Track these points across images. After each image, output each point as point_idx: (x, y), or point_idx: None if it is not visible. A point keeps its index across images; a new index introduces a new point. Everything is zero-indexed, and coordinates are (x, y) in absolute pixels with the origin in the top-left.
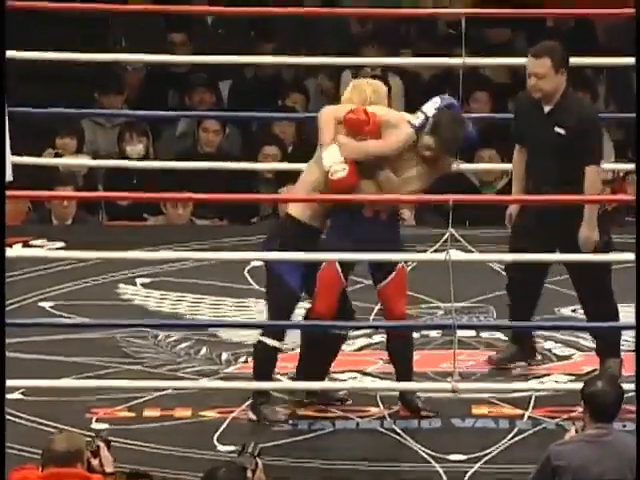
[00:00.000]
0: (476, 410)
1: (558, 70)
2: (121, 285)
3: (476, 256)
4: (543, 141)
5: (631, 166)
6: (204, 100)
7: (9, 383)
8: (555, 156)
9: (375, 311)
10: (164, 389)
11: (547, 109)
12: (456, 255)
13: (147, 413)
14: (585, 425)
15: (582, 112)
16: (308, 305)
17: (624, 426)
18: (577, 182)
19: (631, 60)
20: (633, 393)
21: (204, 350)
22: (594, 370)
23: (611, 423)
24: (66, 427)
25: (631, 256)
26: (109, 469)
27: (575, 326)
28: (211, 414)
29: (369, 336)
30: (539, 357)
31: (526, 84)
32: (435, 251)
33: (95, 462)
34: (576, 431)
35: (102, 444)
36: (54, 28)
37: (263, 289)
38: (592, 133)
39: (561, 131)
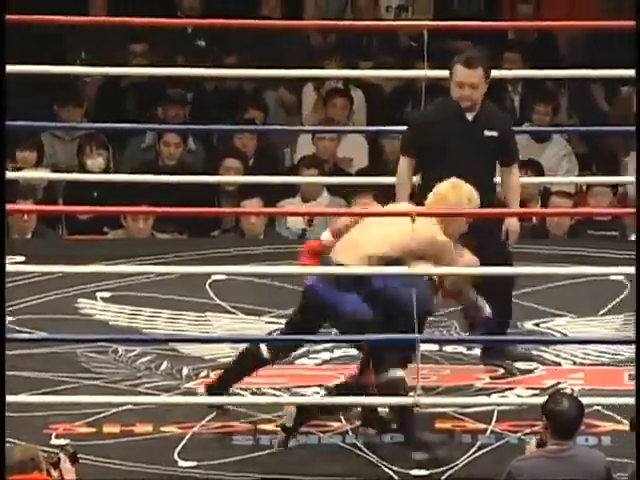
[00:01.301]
0: (439, 424)
1: (486, 80)
2: (81, 299)
3: (438, 270)
4: (472, 147)
5: (593, 179)
6: (165, 113)
7: None
8: (485, 159)
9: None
10: (124, 404)
11: (470, 116)
12: (419, 269)
13: (107, 429)
14: (546, 440)
15: (503, 115)
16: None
17: (586, 440)
18: (505, 180)
19: (592, 72)
20: (595, 407)
21: (165, 365)
22: (557, 384)
23: (572, 439)
24: (25, 443)
25: (593, 269)
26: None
27: (542, 340)
28: (172, 429)
29: (331, 351)
30: (502, 371)
31: (452, 93)
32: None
33: (55, 474)
34: (537, 445)
35: (63, 456)
36: (11, 40)
37: (227, 303)
38: (513, 133)
39: (493, 133)
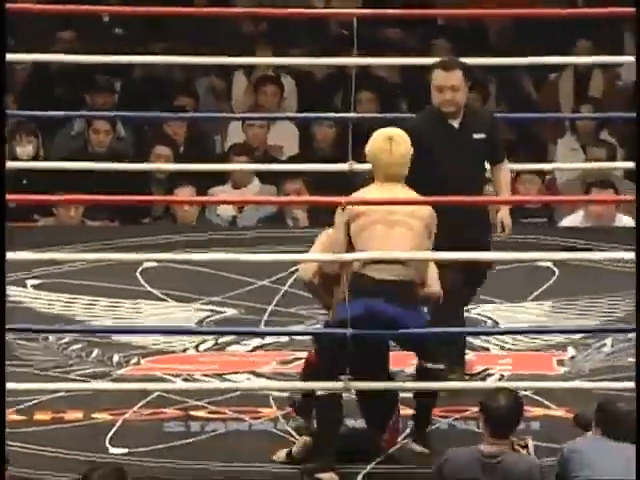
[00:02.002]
0: None
1: (466, 83)
2: (11, 287)
3: (374, 254)
4: (461, 154)
5: (521, 166)
6: (94, 100)
7: None
8: (475, 163)
9: (269, 311)
10: (55, 392)
11: (456, 123)
12: (348, 256)
13: (38, 416)
14: (483, 438)
15: (487, 114)
16: None
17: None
18: (497, 178)
19: (521, 60)
20: (523, 392)
21: (95, 352)
22: (486, 369)
23: (507, 438)
24: None
25: (521, 255)
26: None
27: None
28: (103, 416)
29: (262, 337)
30: None
31: (433, 100)
32: None
33: None
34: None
35: None
36: None
37: (158, 290)
38: (499, 130)
39: (481, 136)
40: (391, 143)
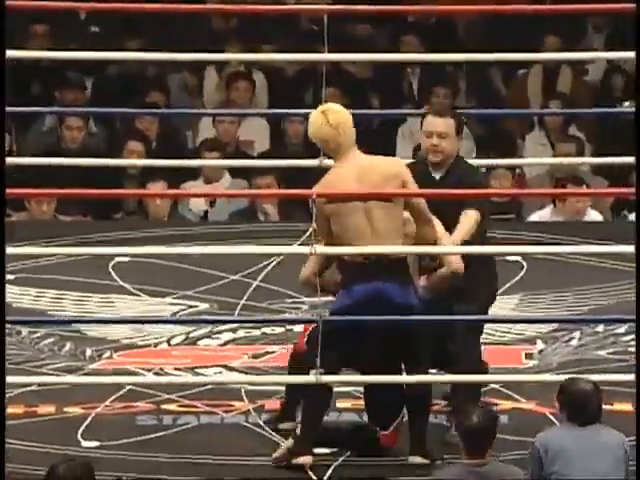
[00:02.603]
0: (340, 404)
1: (458, 133)
2: None
3: (341, 249)
4: (438, 206)
5: (492, 161)
6: (65, 96)
7: None
8: (450, 214)
9: (240, 305)
10: (28, 385)
11: (438, 175)
12: (321, 249)
13: (10, 410)
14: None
15: (474, 172)
16: None
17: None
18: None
19: (490, 56)
20: (486, 388)
21: (68, 346)
22: None
23: (484, 457)
24: None
25: (491, 249)
26: None
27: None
28: (75, 410)
29: (234, 331)
30: None
31: (422, 146)
32: (300, 245)
33: None
34: None
35: None
36: None
37: (130, 285)
38: (480, 186)
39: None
40: (327, 115)
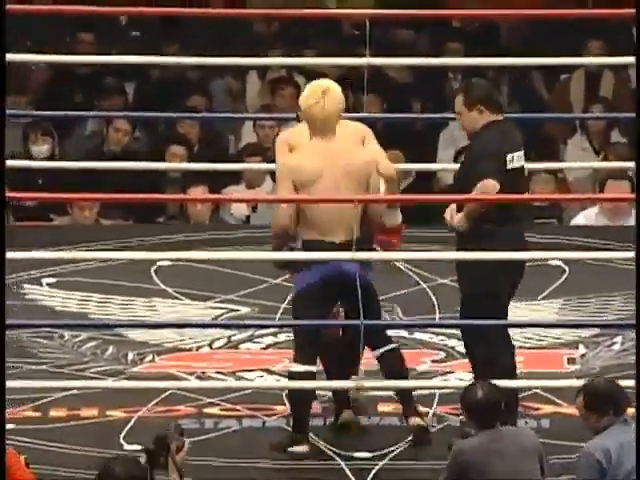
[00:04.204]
0: (382, 407)
1: (471, 107)
2: (26, 285)
3: (383, 255)
4: (460, 169)
5: (533, 165)
6: (111, 101)
7: None
8: (457, 183)
9: (281, 309)
10: (70, 389)
11: (467, 142)
12: (362, 255)
13: (53, 413)
14: (469, 432)
15: (478, 146)
16: None
17: (526, 422)
18: None
19: (532, 60)
20: (534, 390)
21: (110, 350)
22: None
23: (495, 427)
24: None
25: (532, 254)
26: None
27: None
28: (117, 414)
29: (275, 335)
30: (443, 354)
31: None
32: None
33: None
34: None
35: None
36: None
37: (172, 288)
38: (478, 164)
39: (463, 159)
40: (325, 97)
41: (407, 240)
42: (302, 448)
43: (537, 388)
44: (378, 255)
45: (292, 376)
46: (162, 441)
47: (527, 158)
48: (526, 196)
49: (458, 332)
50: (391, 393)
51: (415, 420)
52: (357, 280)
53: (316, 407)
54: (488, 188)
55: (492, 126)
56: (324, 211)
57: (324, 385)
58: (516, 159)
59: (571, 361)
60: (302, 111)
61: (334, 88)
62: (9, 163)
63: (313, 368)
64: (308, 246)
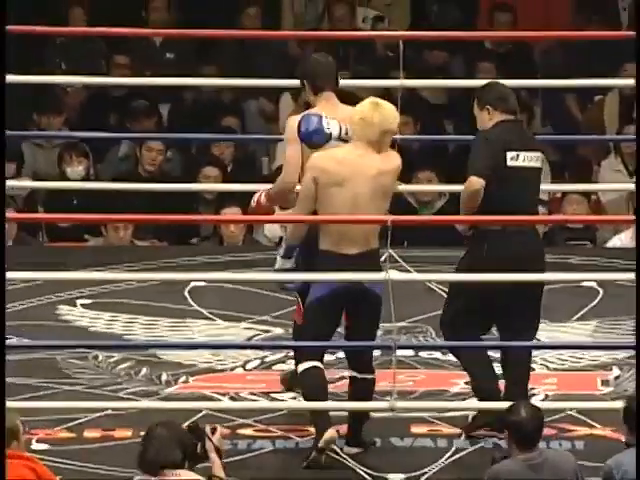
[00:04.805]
0: (415, 429)
1: (482, 107)
2: (61, 306)
3: (416, 276)
4: None
5: (567, 187)
6: (145, 123)
7: None
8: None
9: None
10: (104, 410)
11: None
12: (396, 275)
13: (87, 434)
14: (509, 453)
15: (476, 141)
16: None
17: (560, 444)
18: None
19: (566, 82)
20: (568, 412)
21: (144, 371)
22: (531, 389)
23: (536, 447)
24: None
25: (566, 276)
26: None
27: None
28: None
29: None
30: None
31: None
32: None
33: (215, 437)
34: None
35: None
36: None
37: (206, 309)
38: (474, 147)
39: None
40: (376, 111)
41: (440, 262)
42: (330, 433)
43: (571, 410)
44: (411, 276)
45: (302, 375)
46: (195, 428)
47: (560, 179)
48: (560, 217)
49: (492, 354)
50: (425, 415)
51: (353, 449)
52: (367, 292)
53: (343, 429)
54: (470, 186)
55: (499, 125)
56: (343, 212)
57: (356, 406)
58: (523, 158)
59: (605, 383)
60: (351, 119)
61: (388, 106)
62: (44, 184)
63: (319, 363)
64: (322, 257)
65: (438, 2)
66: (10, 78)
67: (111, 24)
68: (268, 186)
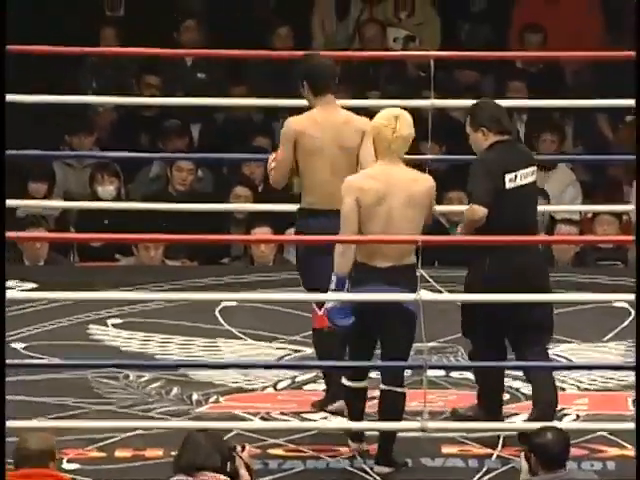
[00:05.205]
0: (445, 449)
1: (476, 129)
2: (92, 326)
3: (447, 296)
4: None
5: (598, 207)
6: (176, 143)
7: None
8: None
9: None
10: (135, 429)
11: None
12: (427, 295)
13: (118, 453)
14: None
15: (474, 166)
16: None
17: (592, 465)
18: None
19: (597, 102)
20: (599, 433)
21: (175, 390)
22: (562, 409)
23: (562, 470)
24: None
25: (597, 296)
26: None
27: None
28: None
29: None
30: (507, 396)
31: None
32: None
33: (245, 455)
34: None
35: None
36: (22, 68)
37: (237, 329)
38: (473, 171)
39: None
40: (397, 121)
41: (449, 280)
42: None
43: (602, 430)
44: (442, 296)
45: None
46: (225, 446)
47: (591, 199)
48: (591, 237)
49: (522, 374)
50: (455, 435)
51: (383, 469)
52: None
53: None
54: (473, 215)
55: (495, 146)
56: (374, 234)
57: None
58: (520, 177)
59: (635, 402)
60: (373, 132)
61: (406, 115)
62: (75, 204)
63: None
64: (356, 269)
65: (469, 22)
66: (43, 98)
67: (143, 44)
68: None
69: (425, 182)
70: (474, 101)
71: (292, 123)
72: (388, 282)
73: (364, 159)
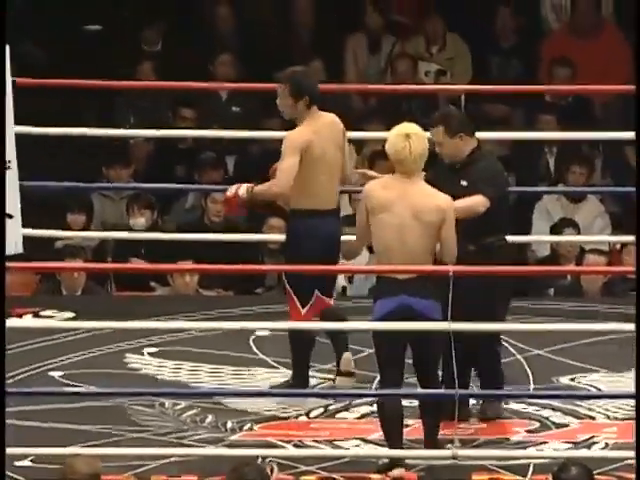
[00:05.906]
0: (476, 477)
1: (454, 135)
2: (128, 354)
3: (477, 326)
4: (452, 194)
5: (627, 238)
6: (211, 175)
7: (19, 451)
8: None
9: (377, 379)
10: (170, 456)
11: (457, 167)
12: (456, 325)
13: None
14: None
15: (482, 169)
16: None
17: None
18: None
19: (626, 134)
20: (627, 461)
21: (210, 418)
22: (591, 437)
23: None
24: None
25: (625, 326)
26: None
27: (574, 395)
28: None
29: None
30: (537, 424)
31: None
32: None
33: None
34: None
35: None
36: (59, 101)
37: (271, 358)
38: (481, 185)
39: (464, 183)
40: (409, 141)
41: None
42: (398, 471)
43: (630, 459)
44: (472, 326)
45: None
46: (257, 468)
47: (620, 230)
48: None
49: (552, 402)
50: (486, 463)
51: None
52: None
53: (411, 477)
54: (476, 207)
55: (484, 152)
56: (389, 246)
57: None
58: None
59: None
60: (391, 157)
61: (417, 130)
62: (111, 234)
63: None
64: (378, 281)
65: (499, 56)
66: (86, 131)
67: (178, 78)
68: None
69: (437, 200)
70: (504, 133)
71: (301, 135)
72: (408, 293)
73: (346, 159)
